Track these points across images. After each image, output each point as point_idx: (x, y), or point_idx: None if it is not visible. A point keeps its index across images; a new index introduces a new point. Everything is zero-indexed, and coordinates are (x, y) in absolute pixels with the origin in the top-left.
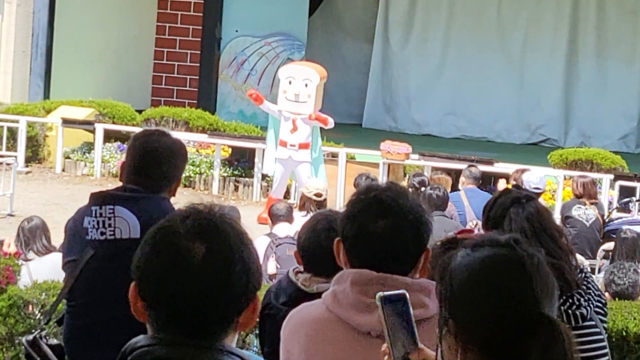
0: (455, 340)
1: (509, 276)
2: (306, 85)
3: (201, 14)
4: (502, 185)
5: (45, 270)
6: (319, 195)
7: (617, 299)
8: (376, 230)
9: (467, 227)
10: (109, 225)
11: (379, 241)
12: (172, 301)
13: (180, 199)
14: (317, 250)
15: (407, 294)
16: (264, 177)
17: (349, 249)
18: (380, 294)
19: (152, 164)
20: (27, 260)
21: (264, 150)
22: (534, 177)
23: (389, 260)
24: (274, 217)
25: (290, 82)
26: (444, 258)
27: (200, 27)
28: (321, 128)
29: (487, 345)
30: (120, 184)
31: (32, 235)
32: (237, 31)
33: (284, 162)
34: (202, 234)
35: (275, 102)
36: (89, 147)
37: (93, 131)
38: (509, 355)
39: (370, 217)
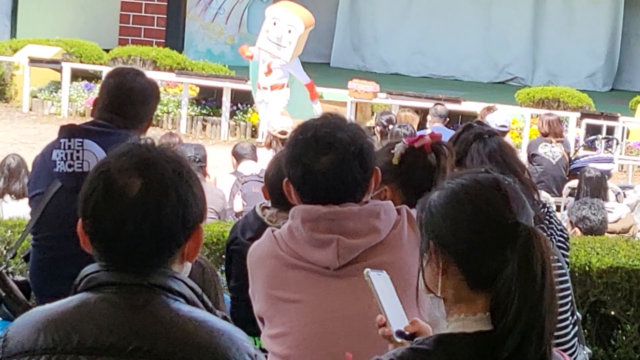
0: (435, 262)
1: (486, 192)
2: (289, 31)
3: None
4: None
5: (19, 214)
6: (283, 133)
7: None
8: (320, 168)
9: None
10: (77, 158)
11: (324, 178)
12: (109, 236)
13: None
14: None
15: (386, 274)
16: (231, 115)
17: (299, 189)
18: (366, 270)
19: (127, 103)
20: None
21: (232, 90)
22: (499, 117)
23: (340, 193)
24: (239, 156)
25: (274, 23)
26: (425, 195)
27: None
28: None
29: (466, 260)
30: (90, 119)
31: (17, 175)
32: None
33: (259, 104)
34: (137, 170)
35: (245, 41)
36: (56, 86)
37: (60, 70)
38: (488, 268)
39: (312, 156)
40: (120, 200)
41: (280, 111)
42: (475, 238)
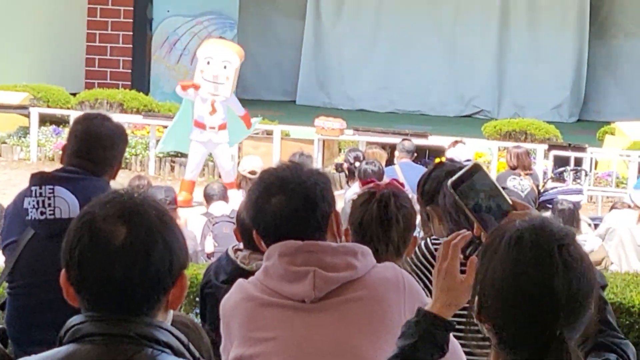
0: (480, 320)
1: (536, 293)
2: (225, 67)
3: None
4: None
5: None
6: (253, 172)
7: None
8: (270, 211)
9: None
10: (49, 205)
11: (274, 219)
12: (96, 284)
13: (117, 181)
14: None
15: (477, 163)
16: None
17: (260, 234)
18: (449, 181)
19: (95, 148)
20: None
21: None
22: (461, 152)
23: (293, 233)
24: (208, 197)
25: (208, 63)
26: (496, 231)
27: (132, 8)
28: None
29: (501, 338)
30: (60, 166)
31: None
32: (168, 11)
33: (204, 145)
34: (122, 217)
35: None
36: (25, 131)
37: (28, 115)
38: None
39: (263, 199)
40: (106, 248)
41: (230, 153)
42: (512, 330)
